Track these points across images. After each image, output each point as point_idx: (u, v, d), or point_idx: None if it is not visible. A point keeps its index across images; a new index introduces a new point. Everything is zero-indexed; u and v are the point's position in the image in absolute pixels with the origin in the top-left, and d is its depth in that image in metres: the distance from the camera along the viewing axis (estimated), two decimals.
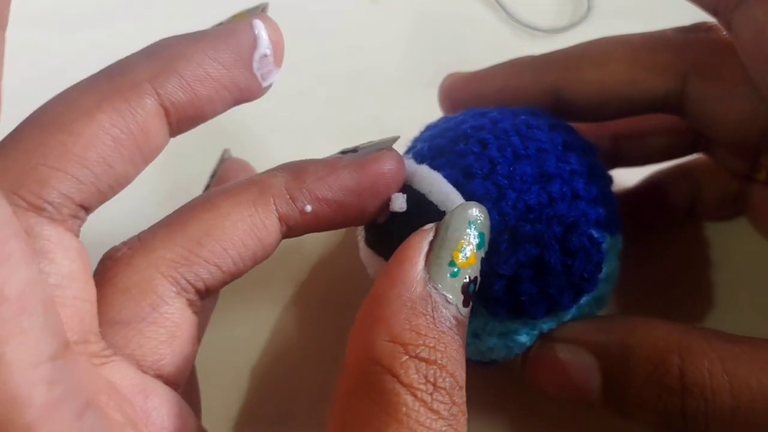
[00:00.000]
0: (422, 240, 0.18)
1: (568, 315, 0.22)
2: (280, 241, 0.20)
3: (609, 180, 0.24)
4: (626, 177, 0.30)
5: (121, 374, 0.17)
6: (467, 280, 0.18)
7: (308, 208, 0.19)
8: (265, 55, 0.19)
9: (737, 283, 0.29)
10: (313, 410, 0.27)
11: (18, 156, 0.16)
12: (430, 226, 0.19)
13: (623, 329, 0.21)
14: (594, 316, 0.23)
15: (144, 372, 0.17)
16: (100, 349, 0.16)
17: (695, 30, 0.25)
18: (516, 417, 0.26)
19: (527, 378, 0.22)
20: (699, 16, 0.24)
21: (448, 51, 0.36)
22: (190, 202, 0.19)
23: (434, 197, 0.21)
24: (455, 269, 0.18)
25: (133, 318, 0.17)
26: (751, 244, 0.29)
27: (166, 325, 0.18)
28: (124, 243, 0.18)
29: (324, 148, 0.32)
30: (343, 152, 0.21)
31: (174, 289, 0.18)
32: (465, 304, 0.18)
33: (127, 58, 0.18)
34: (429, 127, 0.25)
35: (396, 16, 0.37)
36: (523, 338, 0.22)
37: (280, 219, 0.19)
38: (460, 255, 0.18)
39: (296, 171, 0.20)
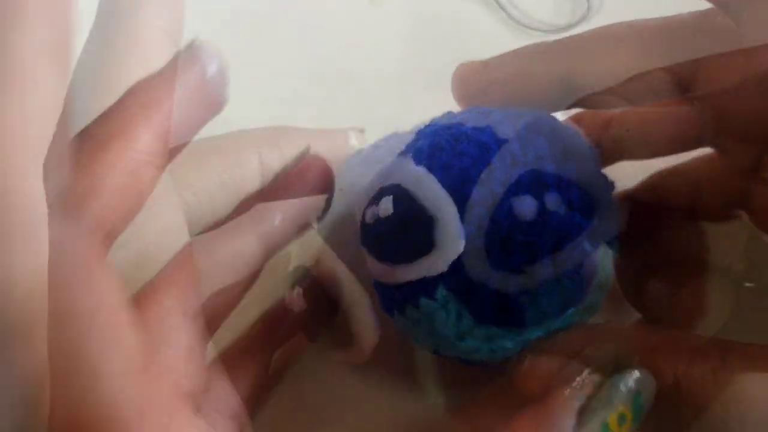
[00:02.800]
0: (574, 398, 0.19)
1: (557, 324, 0.22)
2: None
3: (609, 187, 0.24)
4: (626, 179, 0.29)
5: None
6: None
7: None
8: None
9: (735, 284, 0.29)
10: (318, 411, 0.27)
11: None
12: (582, 379, 0.19)
13: (615, 338, 0.21)
14: (584, 325, 0.23)
15: None
16: None
17: (710, 16, 0.25)
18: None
19: (517, 389, 0.22)
20: None
21: (447, 52, 0.36)
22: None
23: (427, 202, 0.21)
24: None
25: None
26: (749, 244, 0.29)
27: None
28: None
29: None
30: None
31: None
32: None
33: None
34: (432, 123, 0.25)
35: (395, 16, 0.37)
36: (509, 344, 0.22)
37: None
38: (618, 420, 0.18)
39: None
